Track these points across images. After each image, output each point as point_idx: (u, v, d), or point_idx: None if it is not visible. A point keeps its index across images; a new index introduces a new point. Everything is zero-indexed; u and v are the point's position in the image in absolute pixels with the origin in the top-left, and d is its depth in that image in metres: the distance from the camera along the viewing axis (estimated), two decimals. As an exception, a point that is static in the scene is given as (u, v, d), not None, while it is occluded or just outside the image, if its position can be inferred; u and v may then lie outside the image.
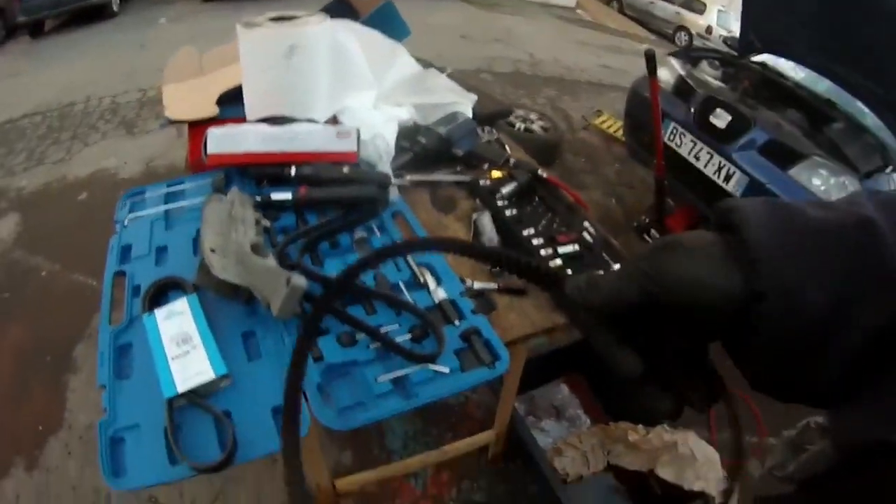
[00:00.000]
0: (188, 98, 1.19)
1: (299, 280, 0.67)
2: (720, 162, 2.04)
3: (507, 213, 0.98)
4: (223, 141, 1.00)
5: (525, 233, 0.93)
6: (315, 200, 0.92)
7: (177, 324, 0.73)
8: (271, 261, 0.73)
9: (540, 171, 1.05)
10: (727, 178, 2.00)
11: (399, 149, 1.08)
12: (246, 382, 0.68)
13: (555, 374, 1.63)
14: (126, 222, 0.95)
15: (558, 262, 0.88)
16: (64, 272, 1.91)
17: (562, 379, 1.64)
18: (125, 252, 0.89)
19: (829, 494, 0.27)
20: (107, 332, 0.75)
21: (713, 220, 0.34)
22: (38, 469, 1.34)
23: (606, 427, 1.37)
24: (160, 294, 0.80)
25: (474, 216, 0.97)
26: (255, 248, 0.75)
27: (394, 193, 0.95)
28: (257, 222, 0.82)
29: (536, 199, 1.02)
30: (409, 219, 0.94)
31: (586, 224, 0.95)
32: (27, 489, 1.31)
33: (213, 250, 0.75)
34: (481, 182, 1.04)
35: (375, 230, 0.90)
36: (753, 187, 1.96)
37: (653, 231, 2.24)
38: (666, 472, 1.24)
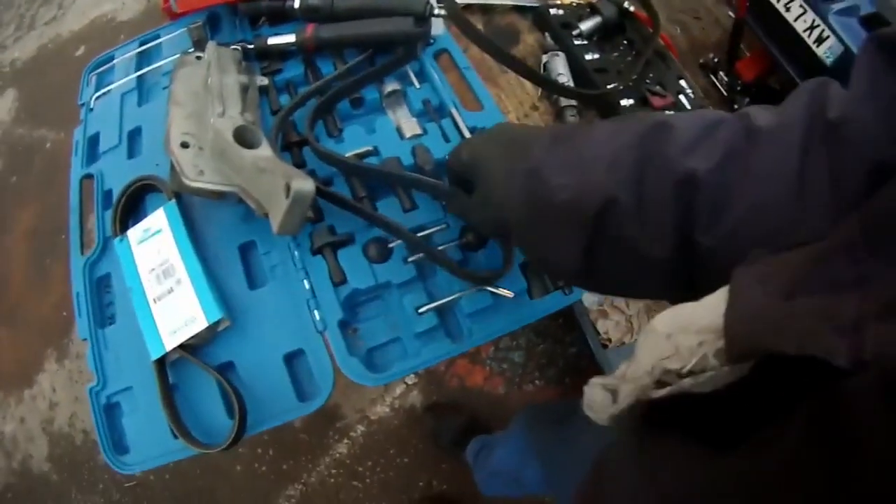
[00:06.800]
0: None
1: (303, 185, 0.48)
2: (814, 20, 1.62)
3: (588, 56, 0.73)
4: (197, -24, 0.73)
5: (610, 86, 0.69)
6: (328, 42, 0.65)
7: (155, 248, 0.56)
8: (265, 150, 0.53)
9: (626, 4, 0.77)
10: (819, 41, 1.59)
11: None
12: (249, 321, 0.52)
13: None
14: (92, 104, 0.75)
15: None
16: (69, 138, 1.85)
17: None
18: (92, 145, 0.70)
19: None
20: (79, 264, 0.60)
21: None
22: (68, 358, 1.33)
23: (656, 293, 1.24)
24: (135, 201, 0.62)
25: (544, 58, 0.73)
26: (241, 135, 0.54)
27: (437, 27, 0.67)
28: (244, 89, 0.60)
29: (624, 41, 0.75)
30: (457, 59, 0.67)
31: (682, 83, 0.70)
32: (61, 379, 1.31)
33: (184, 144, 0.55)
34: (552, 11, 0.78)
35: (412, 78, 0.65)
36: (846, 59, 1.60)
37: (720, 73, 1.90)
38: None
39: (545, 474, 0.72)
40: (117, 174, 0.64)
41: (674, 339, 0.26)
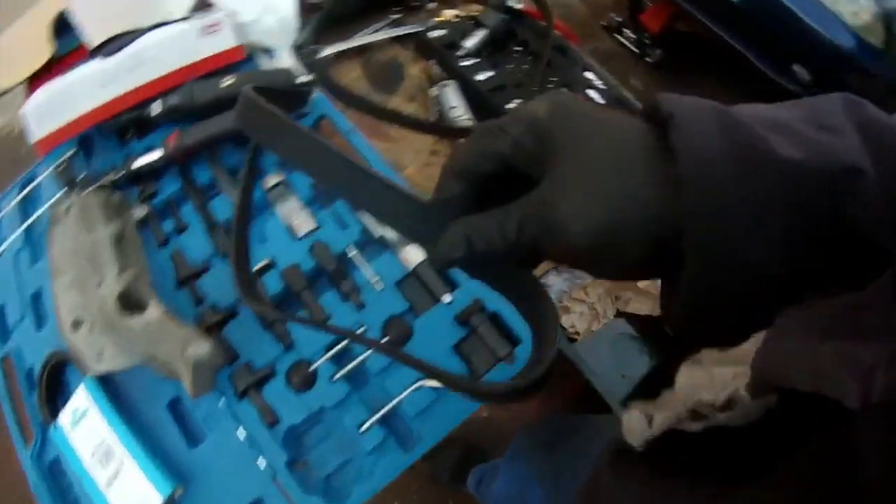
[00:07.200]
0: (19, 48, 0.84)
1: (199, 350, 0.45)
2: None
3: (480, 76, 0.66)
4: (48, 113, 0.67)
5: (510, 105, 0.63)
6: (196, 146, 0.60)
7: (88, 430, 0.53)
8: (154, 309, 0.50)
9: (511, 2, 0.69)
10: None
11: (303, 8, 0.71)
12: (200, 481, 0.50)
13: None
14: (-15, 276, 0.70)
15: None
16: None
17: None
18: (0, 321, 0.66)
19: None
20: (26, 458, 0.57)
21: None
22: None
23: (613, 274, 1.21)
24: (56, 377, 0.59)
25: (433, 92, 0.66)
26: (126, 300, 0.50)
27: (315, 92, 0.61)
28: (118, 239, 0.56)
29: (517, 47, 0.69)
30: (339, 123, 0.60)
31: (589, 75, 0.64)
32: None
33: (76, 323, 0.51)
34: (433, 33, 0.70)
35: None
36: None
37: (626, 31, 1.70)
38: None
39: (547, 495, 0.72)
40: (32, 349, 0.61)
41: (712, 369, 0.27)
